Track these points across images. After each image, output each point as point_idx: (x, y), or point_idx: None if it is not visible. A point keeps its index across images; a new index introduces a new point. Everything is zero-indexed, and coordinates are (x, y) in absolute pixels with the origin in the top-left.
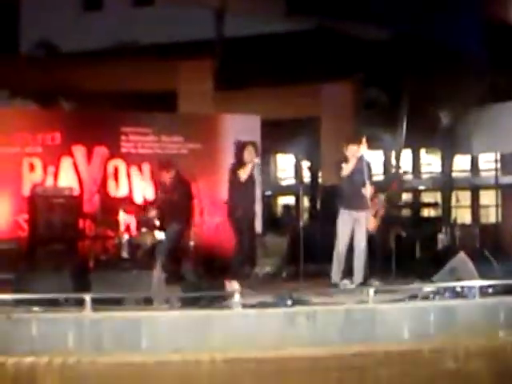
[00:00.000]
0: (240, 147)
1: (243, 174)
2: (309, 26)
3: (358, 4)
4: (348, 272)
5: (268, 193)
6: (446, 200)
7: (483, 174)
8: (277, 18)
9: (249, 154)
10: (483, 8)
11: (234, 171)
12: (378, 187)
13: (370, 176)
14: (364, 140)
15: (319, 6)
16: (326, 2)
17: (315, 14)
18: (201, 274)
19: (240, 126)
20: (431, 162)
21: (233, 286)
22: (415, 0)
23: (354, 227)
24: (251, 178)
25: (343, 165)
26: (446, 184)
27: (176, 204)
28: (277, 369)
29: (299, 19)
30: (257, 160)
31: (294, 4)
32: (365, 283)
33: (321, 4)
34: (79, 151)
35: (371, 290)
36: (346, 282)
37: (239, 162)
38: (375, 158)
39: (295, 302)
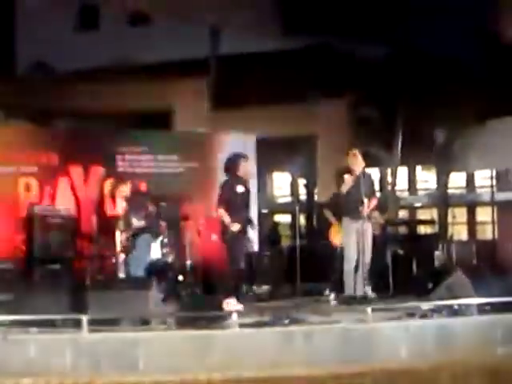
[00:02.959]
0: (233, 162)
1: (239, 189)
2: (305, 45)
3: (354, 23)
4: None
5: (264, 210)
6: (443, 217)
7: (479, 190)
8: (273, 37)
9: (243, 169)
10: (480, 26)
11: (226, 187)
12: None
13: (372, 189)
14: (362, 158)
15: (315, 25)
16: (322, 21)
17: (311, 32)
18: (198, 293)
19: (235, 144)
20: (427, 179)
21: (232, 305)
22: (411, 19)
23: (358, 237)
24: (245, 193)
25: (345, 176)
26: (442, 201)
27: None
28: None
29: (295, 38)
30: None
31: (289, 23)
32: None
33: (317, 23)
34: (76, 171)
35: (369, 309)
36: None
37: (233, 177)
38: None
39: (292, 321)
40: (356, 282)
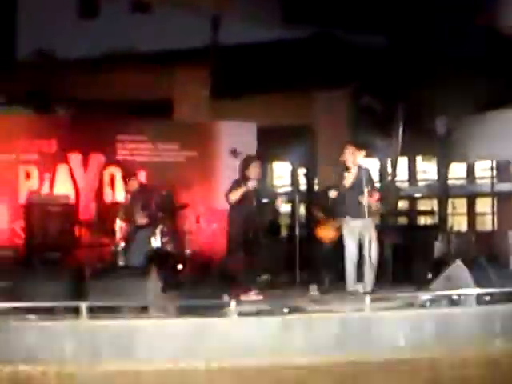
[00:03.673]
0: (245, 163)
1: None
2: (305, 34)
3: (354, 12)
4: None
5: (264, 200)
6: (443, 207)
7: (479, 181)
8: (273, 26)
9: (254, 171)
10: (480, 15)
11: (234, 188)
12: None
13: (372, 184)
14: (363, 148)
15: (315, 15)
16: (322, 11)
17: (311, 22)
18: (197, 282)
19: (236, 133)
20: (427, 170)
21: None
22: (411, 8)
23: (362, 235)
24: (252, 193)
25: (345, 174)
26: (442, 191)
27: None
28: (273, 377)
29: (295, 27)
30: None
31: (290, 12)
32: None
33: (317, 12)
34: (75, 158)
35: (367, 298)
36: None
37: (242, 179)
38: (371, 166)
39: (291, 310)
40: (358, 281)
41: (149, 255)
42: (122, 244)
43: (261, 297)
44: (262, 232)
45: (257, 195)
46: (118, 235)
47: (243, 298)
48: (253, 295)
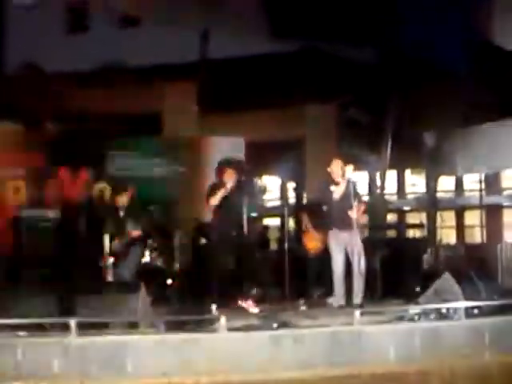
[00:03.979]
0: (219, 168)
1: (217, 197)
2: (293, 48)
3: (342, 26)
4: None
5: (253, 214)
6: (431, 220)
7: (468, 194)
8: (261, 40)
9: (228, 176)
10: (469, 28)
11: (211, 193)
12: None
13: (359, 197)
14: (351, 162)
15: (303, 29)
16: (310, 24)
17: (299, 36)
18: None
19: (224, 148)
20: (416, 183)
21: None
22: (400, 21)
23: (348, 247)
24: (232, 199)
25: (332, 188)
26: (430, 204)
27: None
28: None
29: (283, 41)
30: (234, 182)
31: (278, 26)
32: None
33: (305, 26)
34: (64, 173)
35: (357, 312)
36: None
37: (218, 183)
38: (360, 179)
39: (281, 325)
40: (346, 293)
41: (140, 270)
42: (112, 259)
43: (256, 308)
44: (246, 243)
45: (236, 202)
46: (108, 250)
47: (242, 305)
48: (250, 304)
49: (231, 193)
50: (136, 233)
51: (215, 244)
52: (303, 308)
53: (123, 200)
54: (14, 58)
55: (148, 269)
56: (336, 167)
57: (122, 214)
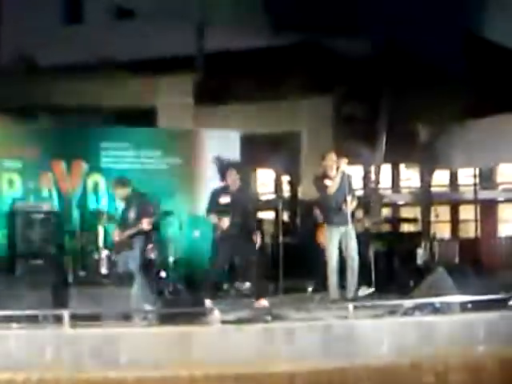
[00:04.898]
0: (223, 170)
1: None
2: (290, 42)
3: (338, 21)
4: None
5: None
6: (426, 215)
7: (462, 188)
8: (258, 33)
9: (231, 178)
10: (464, 24)
11: (217, 194)
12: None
13: (353, 191)
14: (345, 156)
15: (301, 23)
16: (308, 19)
17: (297, 30)
18: (180, 290)
19: (219, 141)
20: (411, 177)
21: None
22: (396, 16)
23: (343, 241)
24: (232, 201)
25: (326, 181)
26: (425, 199)
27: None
28: None
29: (280, 34)
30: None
31: (275, 19)
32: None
33: (302, 21)
34: (59, 166)
35: (351, 306)
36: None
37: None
38: (355, 173)
39: (274, 318)
40: (339, 287)
41: (142, 263)
42: (107, 252)
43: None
44: (246, 240)
45: (239, 203)
46: (105, 243)
47: (256, 305)
48: (264, 302)
49: (235, 195)
50: (146, 225)
51: (216, 241)
52: (297, 301)
53: (124, 192)
54: (7, 50)
55: (142, 261)
56: (330, 161)
57: (122, 206)
